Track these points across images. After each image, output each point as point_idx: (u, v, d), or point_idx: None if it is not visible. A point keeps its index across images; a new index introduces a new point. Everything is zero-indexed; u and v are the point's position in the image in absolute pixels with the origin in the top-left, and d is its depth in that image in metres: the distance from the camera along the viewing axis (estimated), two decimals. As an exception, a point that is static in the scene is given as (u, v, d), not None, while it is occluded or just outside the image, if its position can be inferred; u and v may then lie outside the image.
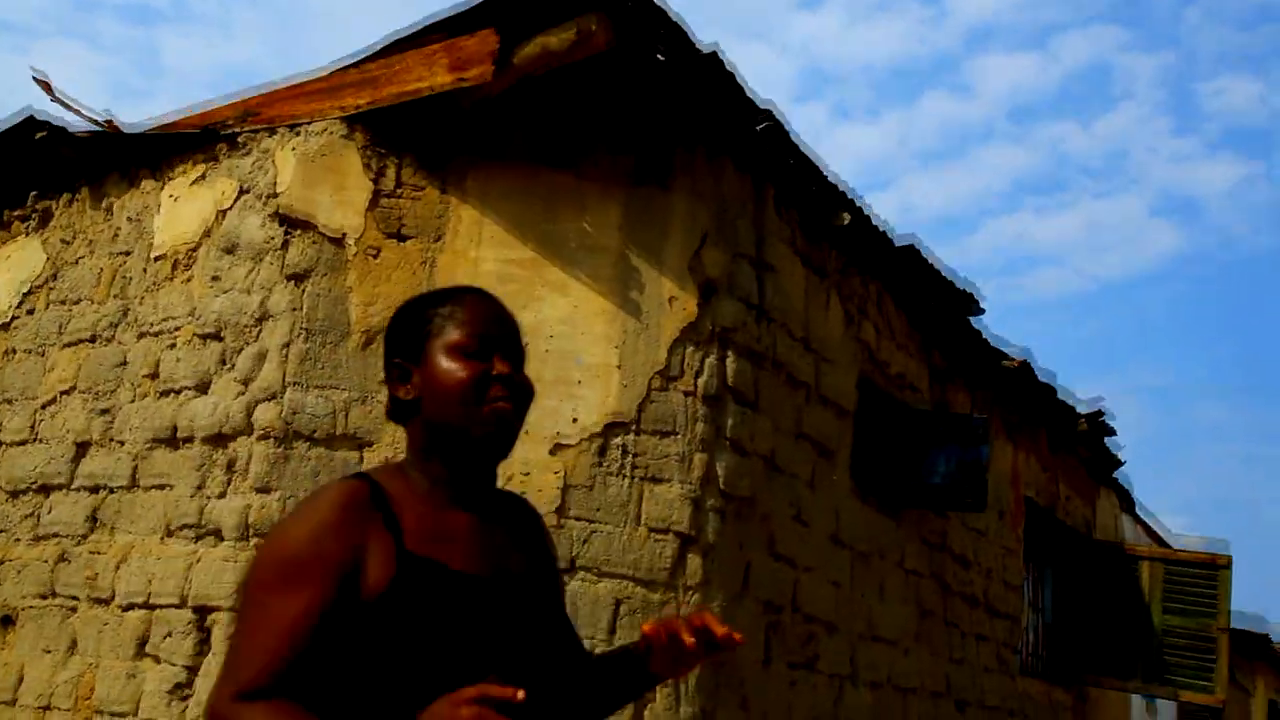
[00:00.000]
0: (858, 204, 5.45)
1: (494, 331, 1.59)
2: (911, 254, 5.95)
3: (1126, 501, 11.15)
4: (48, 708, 4.37)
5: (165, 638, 4.12)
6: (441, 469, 1.59)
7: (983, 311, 6.77)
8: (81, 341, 4.92)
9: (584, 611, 4.23)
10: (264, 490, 4.11)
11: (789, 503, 5.05)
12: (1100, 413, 8.89)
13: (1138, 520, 11.72)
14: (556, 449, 4.34)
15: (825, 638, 5.29)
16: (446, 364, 1.55)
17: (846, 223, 5.33)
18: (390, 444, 4.23)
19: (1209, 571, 8.66)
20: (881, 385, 6.12)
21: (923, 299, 6.39)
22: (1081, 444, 9.20)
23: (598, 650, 4.09)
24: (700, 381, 4.56)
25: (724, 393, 4.62)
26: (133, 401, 4.63)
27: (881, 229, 5.72)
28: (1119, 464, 10.14)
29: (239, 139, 4.67)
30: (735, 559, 4.61)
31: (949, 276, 6.29)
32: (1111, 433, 9.32)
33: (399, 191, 4.50)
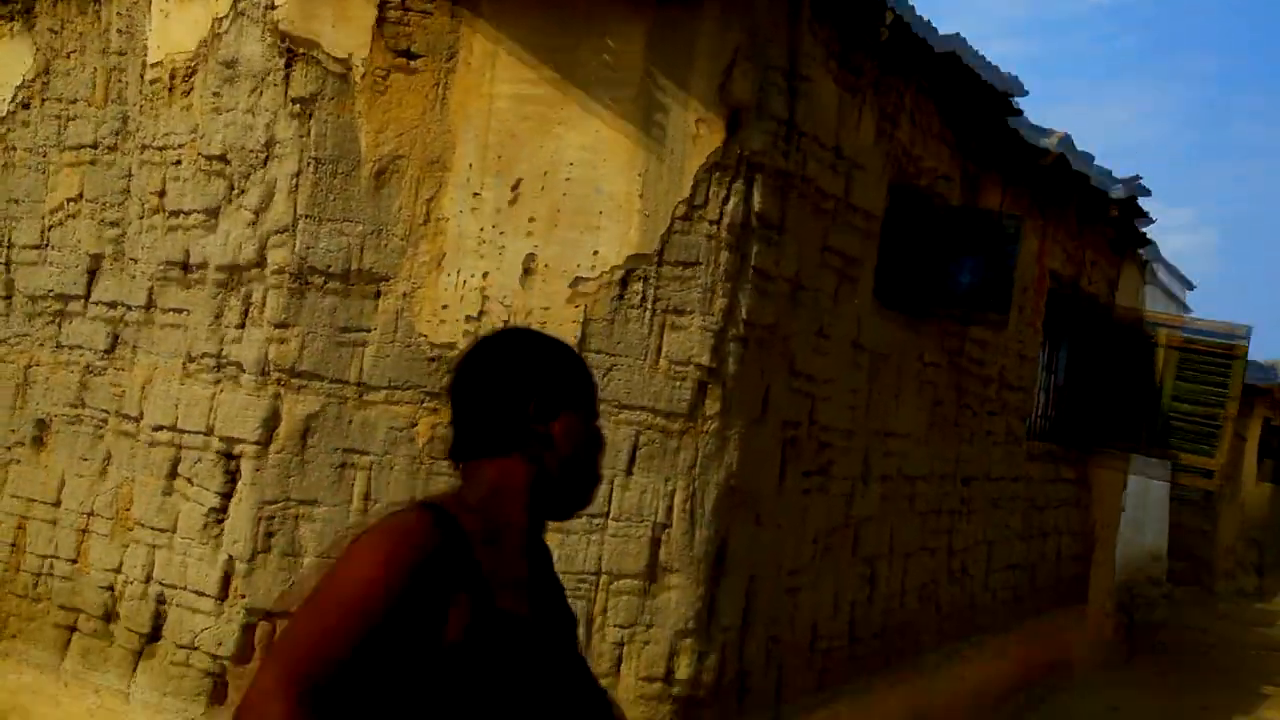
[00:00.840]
0: (898, 11, 5.05)
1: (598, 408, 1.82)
2: (952, 59, 5.59)
3: (1151, 274, 11.07)
4: (91, 514, 4.56)
5: (195, 464, 4.23)
6: (525, 515, 1.64)
7: (1020, 113, 6.46)
8: (83, 147, 4.75)
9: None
10: (282, 327, 4.08)
11: (811, 320, 5.01)
12: (1134, 196, 8.65)
13: (1167, 294, 11.68)
14: (577, 284, 4.26)
15: (841, 444, 5.39)
16: (588, 432, 1.71)
17: (886, 38, 4.96)
18: (407, 279, 4.15)
19: (1224, 357, 8.71)
20: (913, 183, 5.91)
21: (961, 101, 6.05)
22: (1110, 225, 9.01)
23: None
24: (726, 210, 4.40)
25: (750, 222, 4.47)
26: (141, 219, 4.52)
27: (922, 35, 5.34)
28: (1146, 242, 9.99)
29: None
30: (755, 387, 4.62)
31: (989, 79, 5.94)
32: (1142, 214, 9.11)
33: (407, 16, 4.16)
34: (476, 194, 4.21)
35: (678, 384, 4.36)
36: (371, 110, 4.12)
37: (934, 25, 5.46)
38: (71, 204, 4.77)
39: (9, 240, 5.00)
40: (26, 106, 4.99)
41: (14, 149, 5.02)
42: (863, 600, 5.79)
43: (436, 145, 4.18)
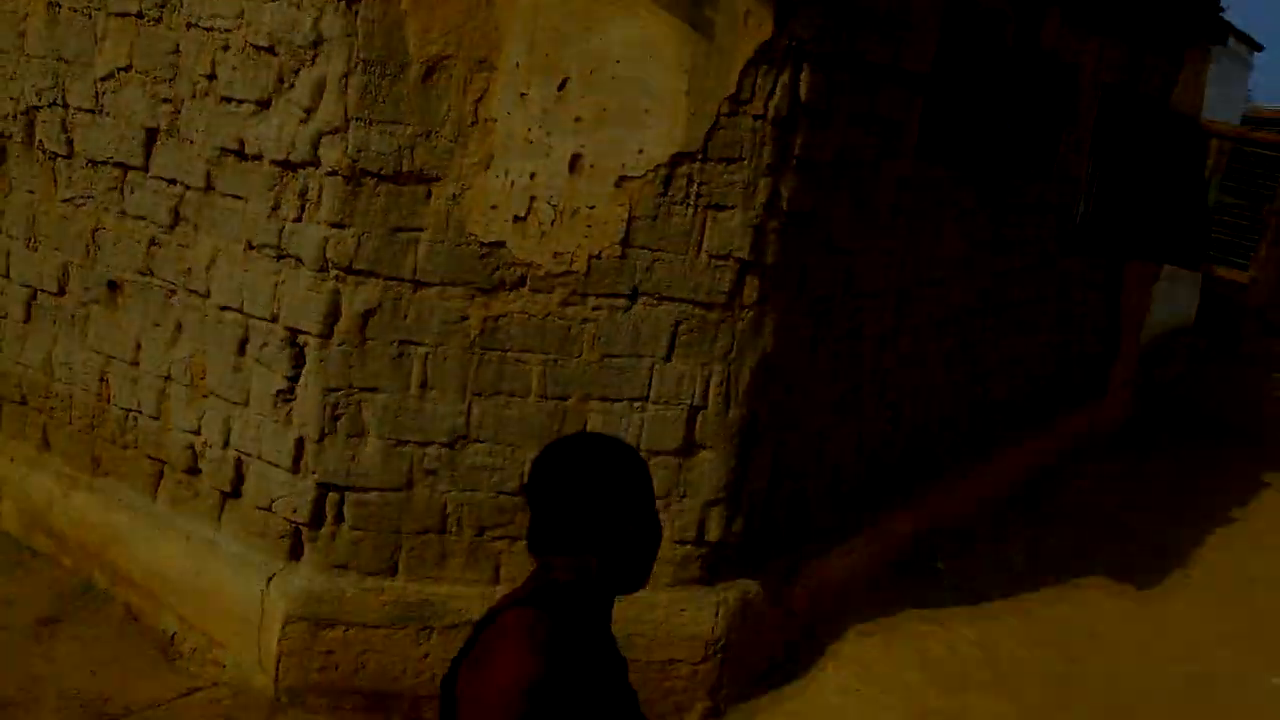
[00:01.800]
0: None
1: None
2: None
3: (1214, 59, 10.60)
4: (168, 378, 4.89)
5: (263, 347, 4.51)
6: (596, 605, 1.90)
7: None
8: (128, 15, 4.72)
9: (645, 332, 4.52)
10: (338, 225, 4.23)
11: (851, 196, 5.07)
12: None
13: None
14: (622, 182, 4.35)
15: (873, 305, 5.57)
16: (649, 530, 1.92)
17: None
18: (456, 179, 4.25)
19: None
20: (967, 26, 5.74)
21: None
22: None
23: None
24: (771, 105, 4.40)
25: (795, 113, 4.47)
26: (193, 99, 4.57)
27: None
28: (1216, 14, 9.52)
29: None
30: (792, 271, 4.77)
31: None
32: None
33: (450, -109, 4.03)
34: (523, 94, 4.22)
35: (717, 275, 4.52)
36: (417, 8, 4.07)
37: None
38: (122, 73, 4.79)
39: (63, 100, 5.07)
40: (66, -41, 4.91)
41: (58, 5, 4.99)
42: (885, 436, 6.15)
43: (483, 44, 4.16)
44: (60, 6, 4.98)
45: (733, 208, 4.46)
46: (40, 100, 5.18)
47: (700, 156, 4.37)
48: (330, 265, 4.27)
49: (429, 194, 4.26)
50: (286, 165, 4.32)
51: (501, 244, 4.33)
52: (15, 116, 5.32)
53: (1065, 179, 7.77)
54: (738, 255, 4.51)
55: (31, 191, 5.34)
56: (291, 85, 4.25)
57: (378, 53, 4.10)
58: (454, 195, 4.27)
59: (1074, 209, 8.13)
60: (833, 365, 5.37)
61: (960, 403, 6.99)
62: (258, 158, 4.40)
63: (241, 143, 4.44)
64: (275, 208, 4.38)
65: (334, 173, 4.19)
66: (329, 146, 4.19)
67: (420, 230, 4.27)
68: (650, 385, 4.57)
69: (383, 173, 4.20)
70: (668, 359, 4.56)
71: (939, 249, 6.13)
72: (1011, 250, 7.21)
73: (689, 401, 4.61)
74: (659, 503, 4.67)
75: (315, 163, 4.23)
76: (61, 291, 5.28)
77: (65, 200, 5.19)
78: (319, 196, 4.26)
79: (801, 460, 5.31)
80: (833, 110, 4.71)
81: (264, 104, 4.35)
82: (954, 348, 6.72)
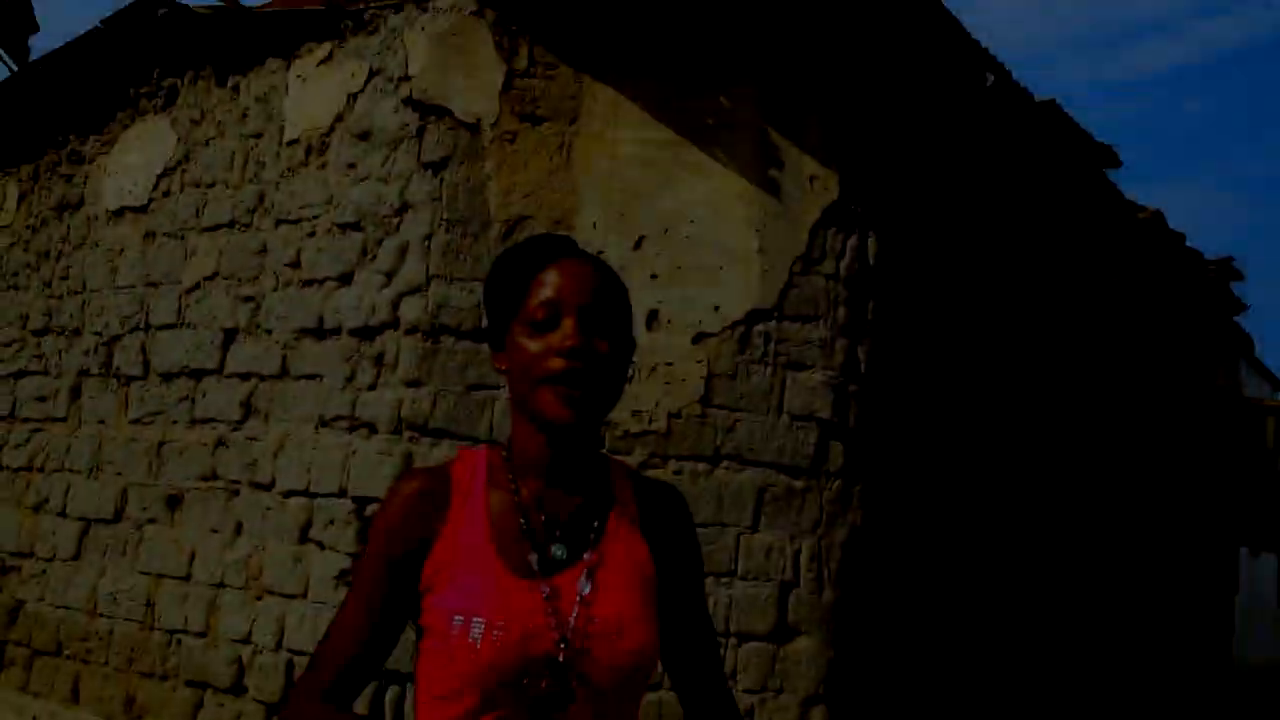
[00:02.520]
0: (999, 61, 5.17)
1: (568, 297, 1.41)
2: (1052, 109, 5.66)
3: (1246, 347, 10.86)
4: (221, 585, 4.61)
5: (327, 526, 4.28)
6: (523, 447, 1.48)
7: (1120, 164, 6.49)
8: (220, 227, 4.96)
9: (728, 501, 4.28)
10: (414, 385, 4.17)
11: (933, 374, 4.99)
12: (1230, 258, 8.58)
13: (1257, 367, 11.43)
14: (699, 339, 4.31)
15: (975, 509, 5.30)
16: (517, 340, 1.42)
17: (991, 83, 5.06)
18: (534, 336, 4.23)
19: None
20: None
21: (1060, 154, 6.11)
22: (1200, 299, 8.91)
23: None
24: (842, 265, 4.45)
25: (867, 274, 4.51)
26: (275, 290, 4.68)
27: (1022, 86, 5.44)
28: (1243, 307, 9.83)
29: (365, 17, 4.54)
30: (878, 445, 4.59)
31: (1087, 130, 6.01)
32: (1239, 277, 9.00)
33: (532, 71, 4.35)
34: (600, 251, 4.30)
35: (800, 438, 4.35)
36: (500, 171, 4.27)
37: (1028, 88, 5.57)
38: (207, 281, 4.96)
39: (146, 321, 5.20)
40: (167, 195, 5.24)
41: (154, 234, 5.26)
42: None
43: (561, 204, 4.31)
44: (155, 234, 5.25)
45: (811, 367, 4.38)
46: (123, 327, 5.31)
47: (776, 314, 4.37)
48: (404, 426, 4.16)
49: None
50: (364, 333, 4.33)
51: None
52: (96, 350, 5.44)
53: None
54: (819, 416, 4.37)
55: (102, 421, 5.34)
56: (374, 256, 4.37)
57: (460, 214, 4.25)
58: (531, 351, 4.23)
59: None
60: (937, 562, 5.01)
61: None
62: (335, 331, 4.42)
63: (320, 319, 4.48)
64: (350, 378, 4.34)
65: (413, 330, 4.19)
66: (409, 306, 4.23)
67: (497, 388, 4.19)
68: (737, 558, 4.26)
69: (461, 329, 4.20)
70: (754, 528, 4.29)
71: (1030, 465, 5.92)
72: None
73: (780, 576, 4.27)
74: (752, 697, 4.20)
75: (394, 323, 4.25)
76: (117, 517, 5.12)
77: (134, 421, 5.17)
78: (396, 358, 4.23)
79: (907, 661, 4.81)
80: (907, 282, 4.76)
81: (346, 278, 4.44)
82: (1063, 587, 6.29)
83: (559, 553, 1.45)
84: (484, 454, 1.50)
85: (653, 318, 4.30)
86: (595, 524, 1.48)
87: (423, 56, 4.30)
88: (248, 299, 4.79)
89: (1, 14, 6.95)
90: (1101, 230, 6.94)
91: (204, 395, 4.89)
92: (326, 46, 4.66)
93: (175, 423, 4.99)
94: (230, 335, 4.84)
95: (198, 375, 4.93)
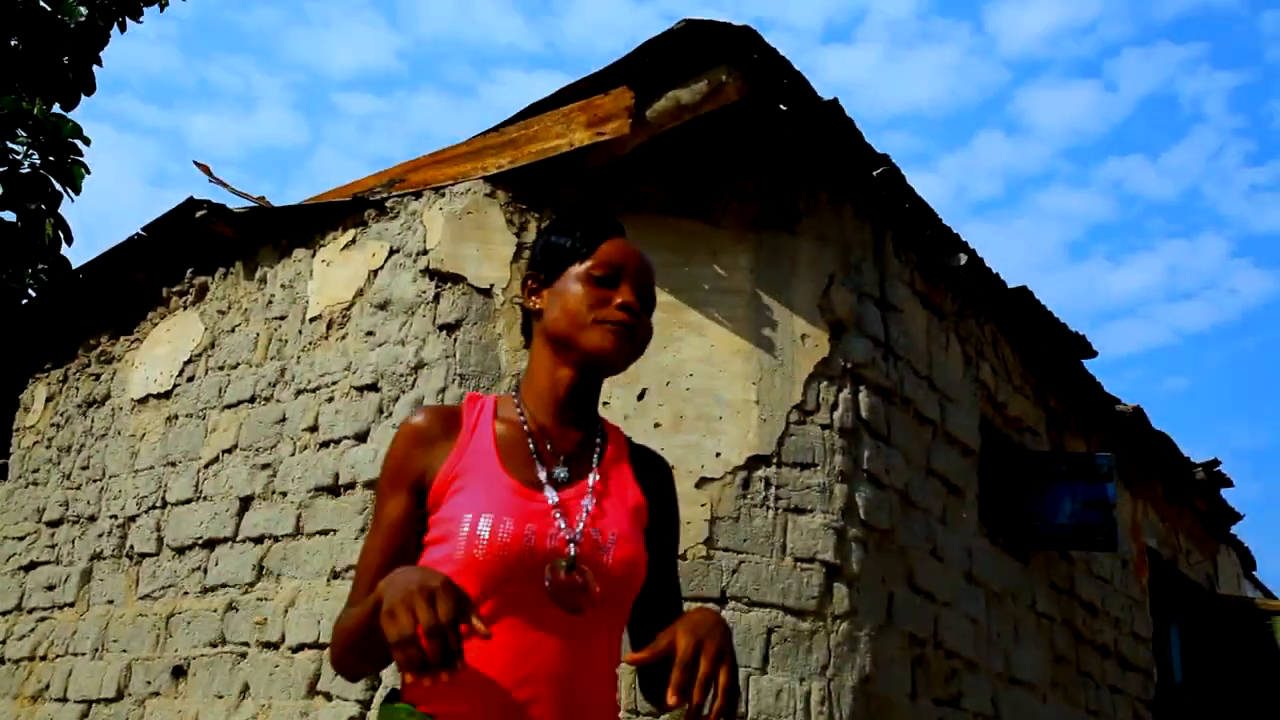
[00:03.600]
0: (971, 246, 5.60)
1: (628, 268, 1.66)
2: (1024, 296, 6.05)
3: (1247, 562, 10.89)
4: (221, 751, 4.53)
5: (336, 676, 4.27)
6: (543, 381, 1.66)
7: (1095, 354, 6.82)
8: (241, 403, 5.20)
9: (737, 642, 4.29)
10: (426, 528, 4.28)
11: (924, 538, 5.10)
12: (1216, 461, 8.79)
13: (1257, 584, 11.42)
14: (702, 483, 4.48)
15: (967, 675, 5.27)
16: (572, 285, 1.65)
17: (963, 263, 5.47)
18: (543, 481, 4.40)
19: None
20: (1001, 427, 6.17)
21: (1036, 342, 6.46)
22: (1198, 496, 9.07)
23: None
24: (835, 416, 4.69)
25: (859, 427, 4.73)
26: (293, 455, 4.87)
27: (994, 272, 5.85)
28: (1237, 517, 9.95)
29: (387, 204, 4.98)
30: (878, 590, 4.66)
31: (1060, 320, 6.38)
32: (1228, 484, 9.18)
33: (541, 245, 4.75)
34: (605, 402, 4.54)
35: (805, 579, 4.43)
36: (511, 330, 4.57)
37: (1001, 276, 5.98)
38: (226, 454, 5.15)
39: (163, 499, 5.34)
40: (192, 380, 5.52)
41: (176, 416, 5.50)
42: None
43: (568, 360, 4.58)
44: (177, 416, 5.48)
45: (811, 511, 4.53)
46: (139, 508, 5.45)
47: (775, 460, 4.55)
48: (415, 570, 4.24)
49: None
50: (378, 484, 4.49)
51: (587, 542, 4.33)
52: (110, 533, 5.55)
53: (1137, 637, 7.59)
54: (822, 558, 4.47)
55: (111, 601, 5.38)
56: (389, 413, 4.59)
57: (473, 369, 4.51)
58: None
59: (1152, 672, 7.81)
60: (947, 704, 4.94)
61: None
62: (350, 486, 4.58)
63: (336, 475, 4.65)
64: (364, 529, 4.45)
65: (426, 476, 4.35)
66: (423, 454, 4.41)
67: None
68: (748, 700, 4.25)
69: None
70: (763, 670, 4.29)
71: (1023, 641, 5.90)
72: (1099, 690, 6.84)
73: (791, 718, 4.23)
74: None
75: (408, 472, 4.41)
76: (119, 695, 5.07)
77: (142, 597, 5.21)
78: (409, 505, 4.36)
79: (922, 838, 4.66)
80: (893, 441, 4.96)
81: (362, 436, 4.64)
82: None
83: (562, 474, 1.65)
84: (492, 397, 1.73)
85: (656, 463, 4.48)
86: (595, 456, 1.69)
87: (439, 232, 4.70)
88: (265, 466, 4.97)
89: (33, 233, 7.49)
90: (1084, 419, 7.21)
91: (216, 563, 4.97)
92: (351, 233, 5.08)
93: (186, 594, 5.04)
94: (246, 503, 4.98)
95: (211, 545, 5.03)
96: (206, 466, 5.22)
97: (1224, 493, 9.19)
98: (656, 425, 4.54)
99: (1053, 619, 6.32)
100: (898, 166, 5.05)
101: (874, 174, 5.06)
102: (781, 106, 4.66)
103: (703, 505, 4.45)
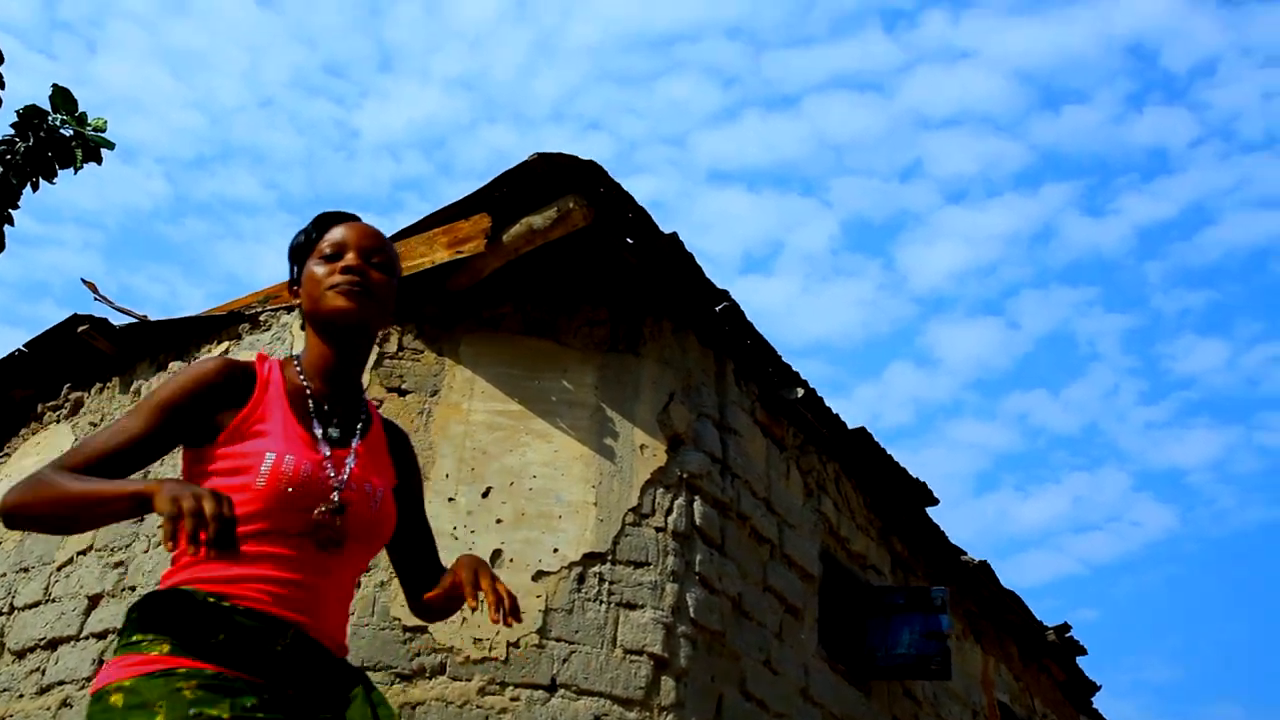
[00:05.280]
0: (811, 385, 6.09)
1: (350, 240, 1.93)
2: (863, 437, 6.52)
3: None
4: (38, 846, 4.45)
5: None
6: (314, 357, 1.93)
7: (937, 502, 7.26)
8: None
9: (565, 728, 4.45)
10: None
11: (758, 648, 5.34)
12: (1067, 627, 9.16)
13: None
14: (539, 576, 4.72)
15: (802, 792, 5.40)
16: (310, 271, 1.92)
17: (799, 396, 5.94)
18: (386, 568, 4.60)
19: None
20: (844, 561, 6.50)
21: (879, 485, 6.90)
22: (1054, 661, 9.39)
23: None
24: (670, 520, 5.00)
25: (692, 532, 5.05)
26: (146, 552, 5.00)
27: (834, 412, 6.33)
28: (1095, 689, 10.24)
29: (261, 318, 5.32)
30: (707, 688, 4.87)
31: (901, 464, 6.84)
32: (1082, 651, 9.53)
33: (401, 355, 5.11)
34: (451, 499, 4.82)
35: (633, 670, 4.63)
36: (365, 429, 4.85)
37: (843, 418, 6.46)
38: (80, 556, 5.24)
39: (11, 604, 5.37)
40: (52, 486, 5.64)
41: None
42: None
43: (420, 459, 4.86)
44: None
45: (643, 606, 4.77)
46: (-14, 613, 5.45)
47: (610, 559, 4.83)
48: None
49: (358, 583, 4.55)
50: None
51: (424, 629, 4.50)
52: (-48, 642, 5.51)
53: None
54: (650, 651, 4.69)
55: (-57, 708, 5.30)
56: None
57: (327, 463, 4.76)
58: (382, 583, 4.57)
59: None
60: (769, 838, 5.04)
61: None
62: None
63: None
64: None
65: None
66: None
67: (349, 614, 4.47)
68: (572, 785, 4.37)
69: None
70: (590, 757, 4.43)
71: (864, 769, 6.05)
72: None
73: (614, 805, 4.36)
74: None
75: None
76: (-59, 801, 4.95)
77: (-21, 700, 5.16)
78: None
79: None
80: (727, 552, 5.27)
81: (215, 528, 4.81)
82: None
83: (334, 433, 1.96)
84: (277, 359, 2.06)
85: (496, 556, 4.72)
86: (360, 426, 2.02)
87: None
88: (118, 564, 5.07)
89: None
90: (933, 568, 7.58)
91: (57, 662, 4.98)
92: (225, 344, 5.39)
93: (21, 696, 5.02)
94: (94, 600, 5.05)
95: (54, 645, 5.06)
96: (59, 569, 5.29)
97: (1086, 657, 9.53)
98: (499, 521, 4.81)
99: (897, 754, 6.49)
100: (737, 303, 5.58)
101: (716, 309, 5.58)
102: (628, 240, 5.19)
103: (538, 597, 4.68)
